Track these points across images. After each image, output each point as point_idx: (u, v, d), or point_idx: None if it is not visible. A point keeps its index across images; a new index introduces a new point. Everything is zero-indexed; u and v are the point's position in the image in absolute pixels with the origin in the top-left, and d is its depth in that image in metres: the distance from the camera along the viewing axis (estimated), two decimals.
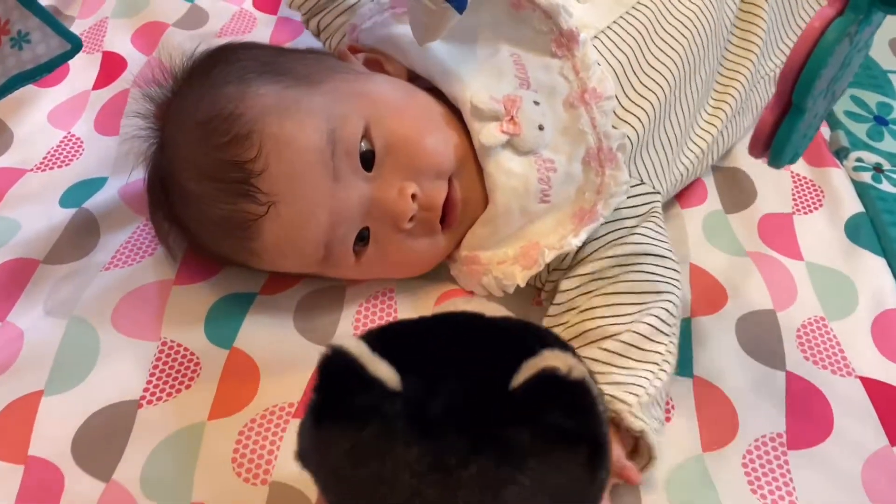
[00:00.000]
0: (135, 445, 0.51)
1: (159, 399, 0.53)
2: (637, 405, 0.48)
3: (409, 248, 0.56)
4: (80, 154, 0.71)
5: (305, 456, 0.37)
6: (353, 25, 0.65)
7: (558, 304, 0.56)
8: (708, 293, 0.60)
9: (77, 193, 0.67)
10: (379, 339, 0.37)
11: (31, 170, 0.70)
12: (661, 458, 0.49)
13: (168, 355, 0.55)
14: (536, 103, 0.56)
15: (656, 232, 0.58)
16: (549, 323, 0.56)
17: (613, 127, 0.57)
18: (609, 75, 0.58)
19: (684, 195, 0.67)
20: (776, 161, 0.42)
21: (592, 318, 0.54)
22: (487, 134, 0.55)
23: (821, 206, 0.67)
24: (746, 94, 0.68)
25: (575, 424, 0.34)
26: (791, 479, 0.50)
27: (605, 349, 0.52)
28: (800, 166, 0.70)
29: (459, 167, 0.56)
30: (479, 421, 0.34)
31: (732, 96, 0.67)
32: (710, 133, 0.66)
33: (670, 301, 0.54)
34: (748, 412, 0.53)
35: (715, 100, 0.67)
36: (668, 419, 0.53)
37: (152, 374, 0.54)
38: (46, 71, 0.44)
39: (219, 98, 0.53)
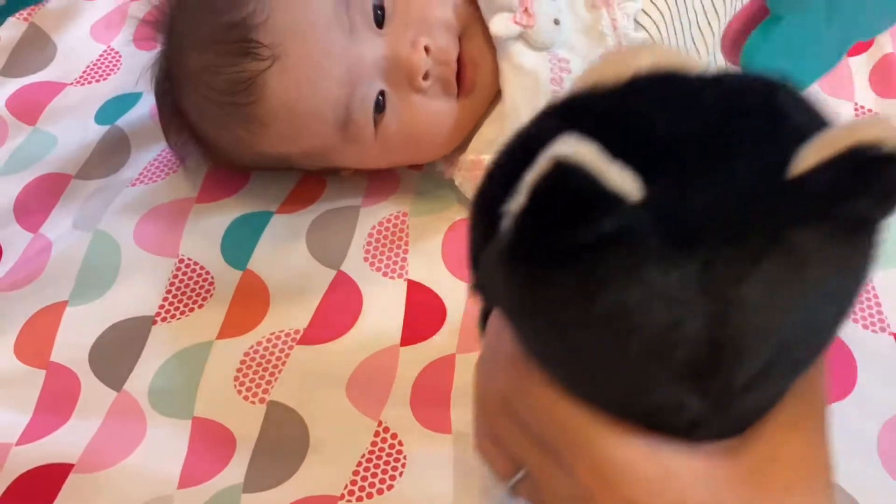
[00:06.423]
0: (146, 359, 0.53)
1: (173, 317, 0.55)
2: None
3: (427, 111, 0.55)
4: (119, 68, 0.72)
5: (499, 296, 0.29)
6: None
7: None
8: None
9: (112, 109, 0.68)
10: (589, 127, 0.26)
11: (71, 83, 0.71)
12: None
13: (185, 273, 0.57)
14: None
15: None
16: None
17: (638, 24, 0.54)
18: None
19: None
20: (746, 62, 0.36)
21: None
22: (499, 23, 0.54)
23: None
24: None
25: (881, 214, 0.26)
26: None
27: None
28: (864, 95, 0.63)
29: (469, 34, 0.55)
30: (753, 225, 0.25)
31: None
32: None
33: None
34: None
35: None
36: None
37: (168, 292, 0.56)
38: None
39: None
